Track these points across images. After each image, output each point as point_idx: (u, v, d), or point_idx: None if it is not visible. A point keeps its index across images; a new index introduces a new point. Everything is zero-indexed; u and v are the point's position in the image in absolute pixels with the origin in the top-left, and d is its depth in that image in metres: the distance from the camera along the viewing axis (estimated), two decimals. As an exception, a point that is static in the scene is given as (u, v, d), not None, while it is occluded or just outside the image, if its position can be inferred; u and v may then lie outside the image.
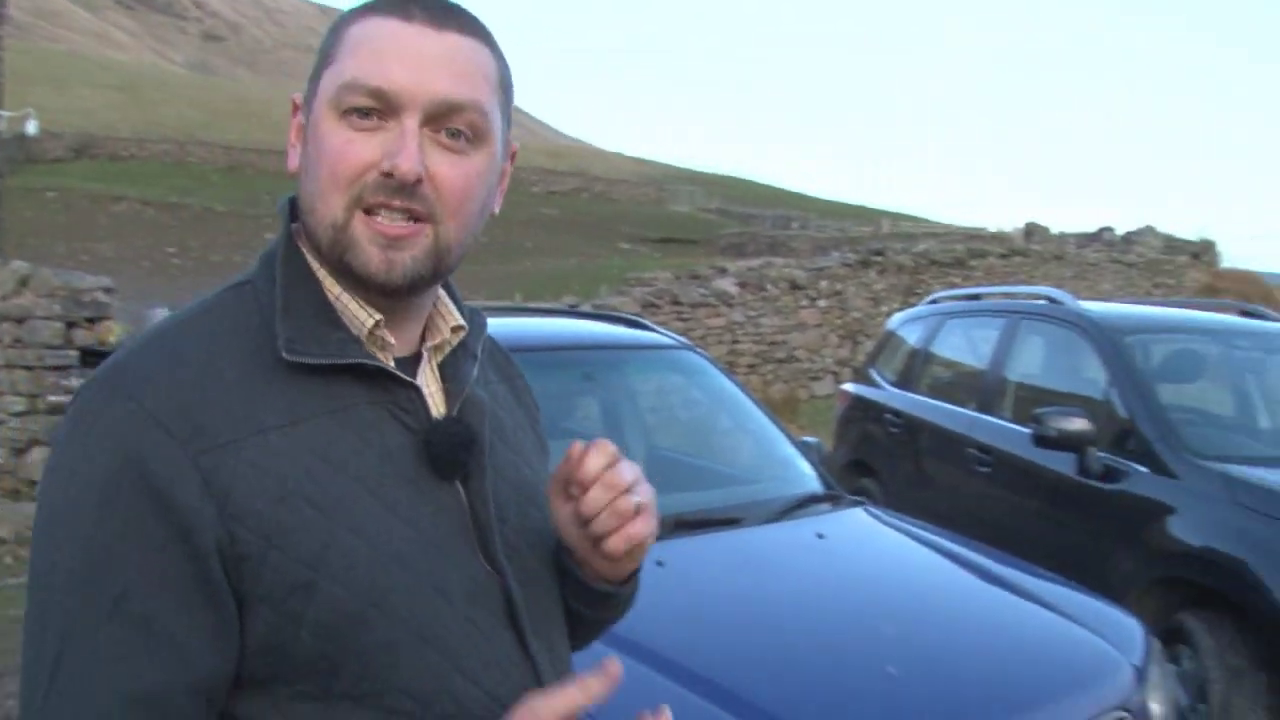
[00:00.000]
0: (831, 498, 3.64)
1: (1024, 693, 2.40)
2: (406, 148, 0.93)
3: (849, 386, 7.38)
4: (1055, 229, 34.70)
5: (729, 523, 3.18)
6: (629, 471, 1.02)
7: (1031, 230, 34.38)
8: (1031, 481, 4.89)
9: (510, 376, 1.24)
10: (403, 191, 0.94)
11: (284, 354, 0.95)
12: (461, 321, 1.09)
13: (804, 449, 3.97)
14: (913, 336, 6.80)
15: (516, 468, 1.12)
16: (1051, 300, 5.67)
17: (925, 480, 5.86)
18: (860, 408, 6.86)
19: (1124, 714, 2.48)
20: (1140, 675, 2.63)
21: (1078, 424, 4.49)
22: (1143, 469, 4.32)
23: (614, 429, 3.92)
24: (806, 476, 3.78)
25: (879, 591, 2.93)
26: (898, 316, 7.52)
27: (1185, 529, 4.02)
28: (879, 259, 15.29)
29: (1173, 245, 30.73)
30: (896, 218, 52.27)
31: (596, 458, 1.00)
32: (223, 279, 1.08)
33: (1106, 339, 4.94)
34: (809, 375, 13.85)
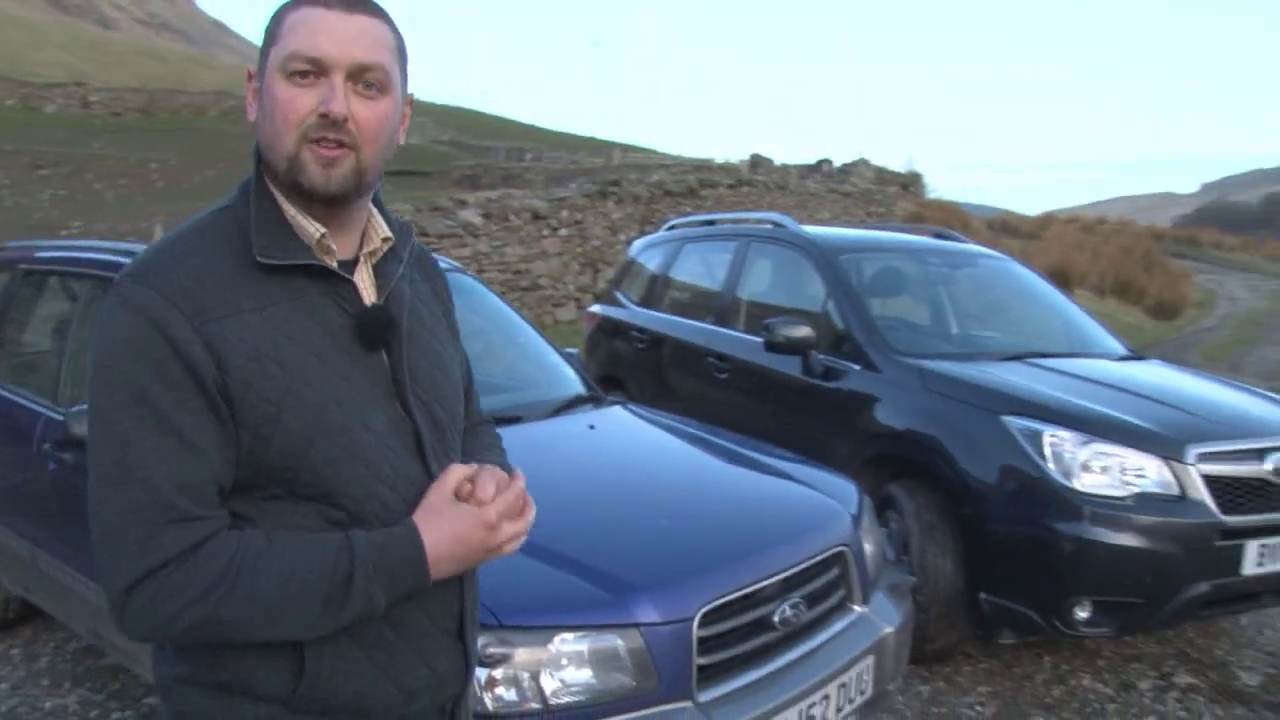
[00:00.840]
0: (594, 399, 4.14)
1: (769, 533, 2.96)
2: (336, 96, 1.33)
3: (596, 308, 7.86)
4: (779, 160, 36.40)
5: (511, 420, 3.60)
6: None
7: (756, 162, 35.93)
8: (764, 383, 5.54)
9: (432, 277, 1.66)
10: (334, 127, 1.33)
11: (258, 258, 1.34)
12: (389, 234, 1.50)
13: (568, 358, 4.45)
14: (653, 260, 7.32)
15: (431, 345, 1.54)
16: (776, 224, 6.32)
17: (670, 389, 6.41)
18: (607, 327, 7.35)
19: (845, 548, 3.09)
20: (856, 522, 3.26)
21: (802, 331, 5.16)
22: (856, 367, 5.03)
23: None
24: (573, 381, 4.26)
25: (646, 466, 3.45)
26: (639, 242, 8.02)
27: (890, 415, 4.75)
28: (616, 189, 15.88)
29: (884, 177, 32.95)
30: (627, 149, 53.14)
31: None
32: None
33: (824, 258, 5.63)
34: (552, 302, 14.34)
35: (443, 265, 4.47)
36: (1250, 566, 4.02)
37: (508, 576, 2.48)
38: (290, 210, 1.38)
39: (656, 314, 6.86)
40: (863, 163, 34.24)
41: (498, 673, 2.33)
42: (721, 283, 6.40)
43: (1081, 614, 3.96)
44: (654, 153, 52.90)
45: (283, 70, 1.33)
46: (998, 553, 4.14)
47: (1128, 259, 25.08)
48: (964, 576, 4.24)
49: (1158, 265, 25.74)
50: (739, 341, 5.88)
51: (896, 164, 35.56)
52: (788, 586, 2.85)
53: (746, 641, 2.70)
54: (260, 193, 1.39)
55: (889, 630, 3.13)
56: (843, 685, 2.87)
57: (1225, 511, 4.00)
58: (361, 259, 1.46)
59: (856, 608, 3.13)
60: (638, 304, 7.16)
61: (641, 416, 4.06)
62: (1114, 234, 31.76)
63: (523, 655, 2.36)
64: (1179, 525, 3.95)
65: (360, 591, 1.30)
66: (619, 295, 7.48)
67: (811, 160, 35.48)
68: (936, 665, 4.34)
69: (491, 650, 2.32)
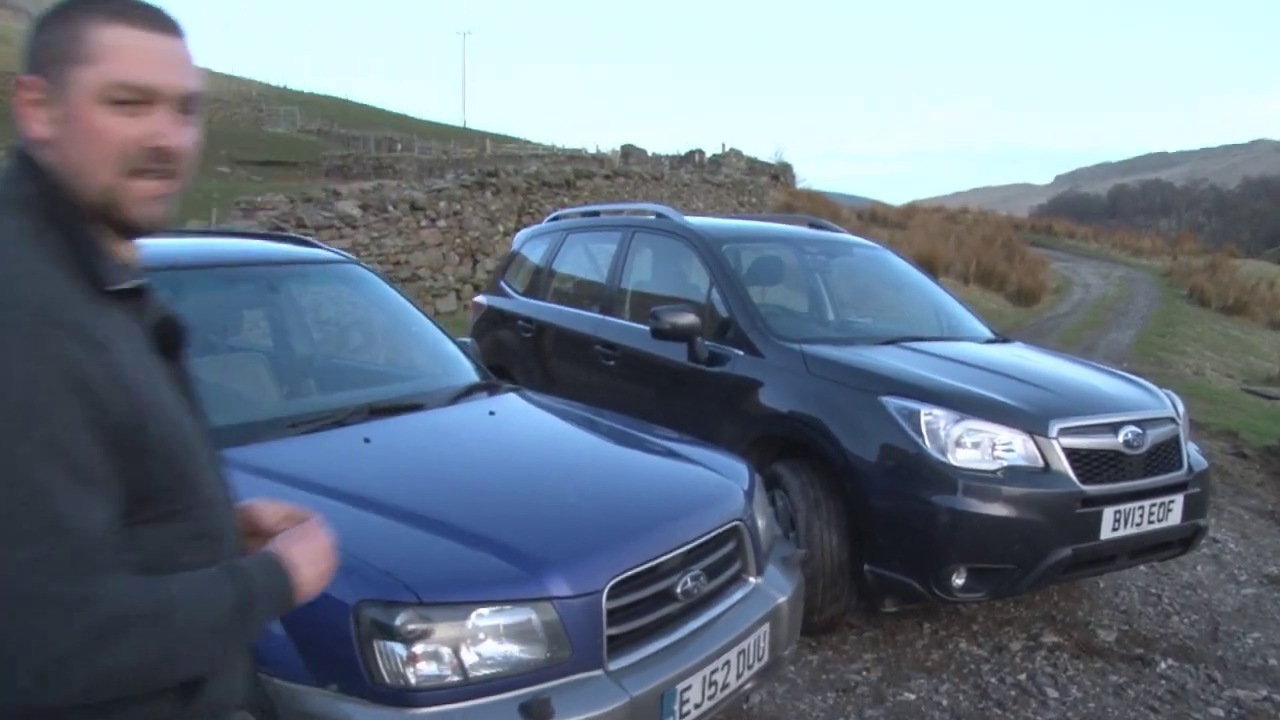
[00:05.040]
0: (490, 386, 4.22)
1: (669, 509, 3.10)
2: (171, 129, 1.33)
3: (481, 298, 7.89)
4: (651, 150, 36.76)
5: (414, 407, 3.67)
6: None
7: (628, 152, 36.19)
8: (651, 369, 5.68)
9: None
10: (165, 159, 1.33)
11: (107, 289, 1.32)
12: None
13: (463, 347, 4.52)
14: (538, 250, 7.38)
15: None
16: (659, 215, 6.47)
17: (557, 376, 6.52)
18: (493, 317, 7.38)
19: (740, 522, 3.25)
20: (749, 498, 3.42)
21: (687, 318, 5.30)
22: (740, 352, 5.21)
23: (283, 340, 4.23)
24: (469, 369, 4.34)
25: (548, 448, 3.55)
26: (523, 233, 8.07)
27: (774, 398, 4.94)
28: (493, 180, 15.86)
29: (754, 167, 33.47)
30: (498, 139, 52.97)
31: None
32: None
33: (707, 248, 5.79)
34: (432, 293, 14.27)
35: (335, 256, 4.53)
36: (1107, 531, 4.33)
37: (426, 555, 2.59)
38: (93, 229, 1.36)
39: (542, 303, 6.93)
40: (734, 153, 34.81)
41: (418, 648, 2.41)
42: (606, 272, 6.51)
43: (958, 580, 4.21)
44: (527, 143, 52.82)
45: (103, 97, 1.29)
46: (880, 525, 4.36)
47: (989, 248, 26.09)
48: (848, 549, 4.45)
49: (1018, 254, 26.84)
50: (626, 329, 6.00)
51: (765, 154, 36.33)
52: (689, 559, 2.99)
53: (652, 612, 2.84)
54: (71, 210, 1.33)
55: (782, 600, 3.30)
56: (742, 652, 3.03)
57: (1084, 481, 4.30)
58: None
59: (752, 579, 3.29)
60: (523, 294, 7.22)
61: (536, 402, 4.16)
62: (976, 224, 32.92)
63: (442, 630, 2.44)
64: (1044, 495, 4.23)
65: (259, 618, 1.37)
66: (504, 285, 7.53)
67: (682, 151, 35.95)
68: (824, 635, 4.55)
69: (412, 626, 2.40)
